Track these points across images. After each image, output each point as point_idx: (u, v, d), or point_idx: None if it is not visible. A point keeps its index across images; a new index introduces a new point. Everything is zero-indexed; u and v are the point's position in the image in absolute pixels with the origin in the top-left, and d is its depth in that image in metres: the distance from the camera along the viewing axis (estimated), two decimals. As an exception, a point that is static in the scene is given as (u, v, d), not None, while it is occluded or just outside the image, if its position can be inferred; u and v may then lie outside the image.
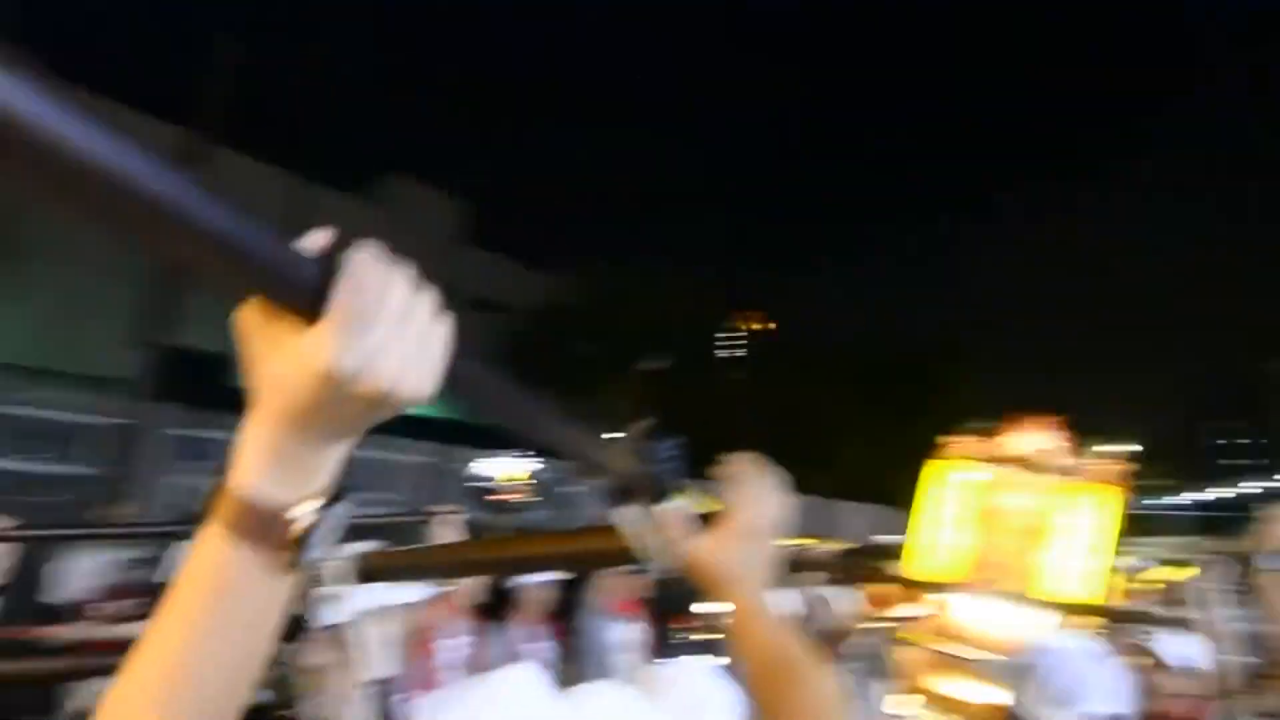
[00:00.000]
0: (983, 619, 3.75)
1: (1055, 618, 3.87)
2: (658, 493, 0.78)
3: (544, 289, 26.06)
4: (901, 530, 4.93)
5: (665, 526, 0.77)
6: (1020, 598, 3.86)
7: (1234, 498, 29.24)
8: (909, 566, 4.37)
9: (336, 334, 0.40)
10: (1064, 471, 4.18)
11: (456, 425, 19.36)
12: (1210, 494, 29.39)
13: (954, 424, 4.82)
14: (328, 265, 0.41)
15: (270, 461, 0.44)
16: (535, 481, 12.47)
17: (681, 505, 0.78)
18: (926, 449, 4.61)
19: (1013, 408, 4.74)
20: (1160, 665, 2.35)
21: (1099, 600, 4.02)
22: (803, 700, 0.73)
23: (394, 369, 0.42)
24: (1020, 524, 4.22)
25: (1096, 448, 4.40)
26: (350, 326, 0.40)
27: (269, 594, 0.45)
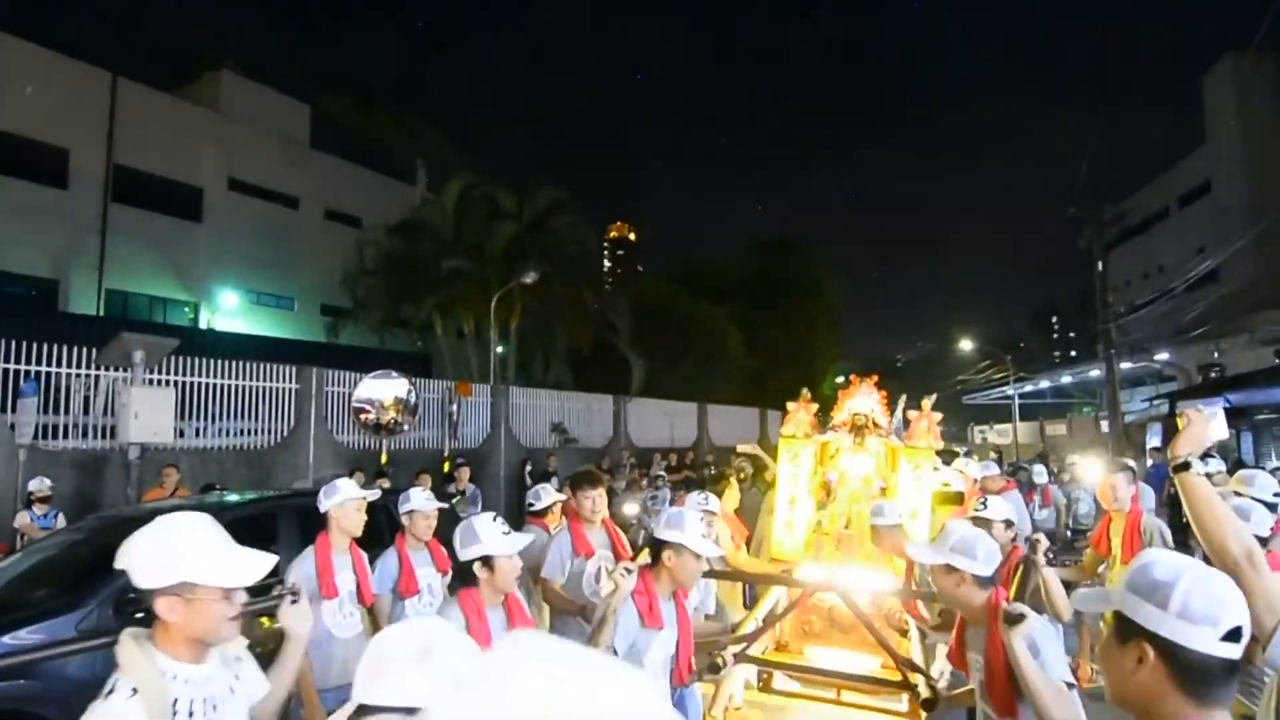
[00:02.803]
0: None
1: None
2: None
3: (397, 200, 24.71)
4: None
5: None
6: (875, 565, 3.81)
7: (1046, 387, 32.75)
8: (775, 547, 4.18)
9: None
10: (887, 433, 4.20)
11: (319, 348, 18.42)
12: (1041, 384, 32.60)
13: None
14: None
15: None
16: (405, 402, 12.20)
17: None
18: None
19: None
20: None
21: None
22: None
23: None
24: (861, 488, 4.14)
25: (914, 409, 4.28)
26: None
27: None
